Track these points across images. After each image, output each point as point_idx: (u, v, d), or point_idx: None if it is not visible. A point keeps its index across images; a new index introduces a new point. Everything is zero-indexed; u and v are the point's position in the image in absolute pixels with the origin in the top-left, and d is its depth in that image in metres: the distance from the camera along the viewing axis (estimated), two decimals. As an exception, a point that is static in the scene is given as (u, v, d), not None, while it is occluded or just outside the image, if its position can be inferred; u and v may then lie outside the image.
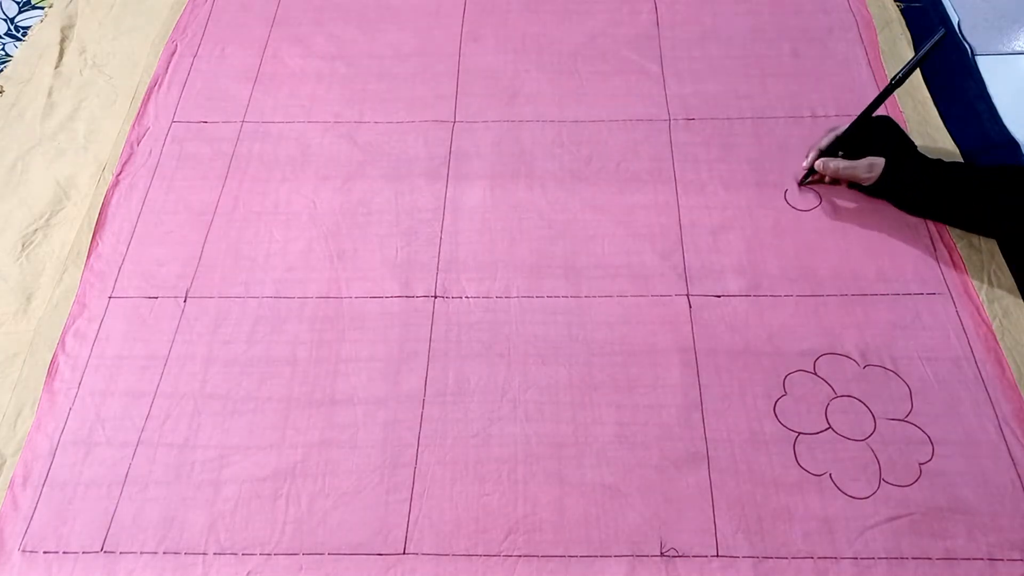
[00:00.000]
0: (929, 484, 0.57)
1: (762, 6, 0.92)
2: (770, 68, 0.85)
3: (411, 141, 0.81)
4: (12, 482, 0.60)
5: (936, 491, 0.57)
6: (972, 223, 0.69)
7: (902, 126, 0.78)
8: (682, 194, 0.75)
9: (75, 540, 0.58)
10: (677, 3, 0.92)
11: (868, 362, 0.63)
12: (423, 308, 0.68)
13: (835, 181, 0.74)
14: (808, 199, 0.74)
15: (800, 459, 0.59)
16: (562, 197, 0.75)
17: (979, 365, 0.62)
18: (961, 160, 0.75)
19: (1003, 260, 0.68)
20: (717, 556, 0.55)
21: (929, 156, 0.70)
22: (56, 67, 0.91)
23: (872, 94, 0.81)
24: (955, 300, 0.66)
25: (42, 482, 0.60)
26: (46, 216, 0.77)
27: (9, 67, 0.92)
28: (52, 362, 0.66)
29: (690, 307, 0.67)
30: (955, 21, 0.91)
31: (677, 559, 0.55)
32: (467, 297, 0.69)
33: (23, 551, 0.57)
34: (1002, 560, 0.54)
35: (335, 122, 0.83)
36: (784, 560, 0.55)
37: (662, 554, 0.55)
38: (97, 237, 0.74)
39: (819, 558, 0.54)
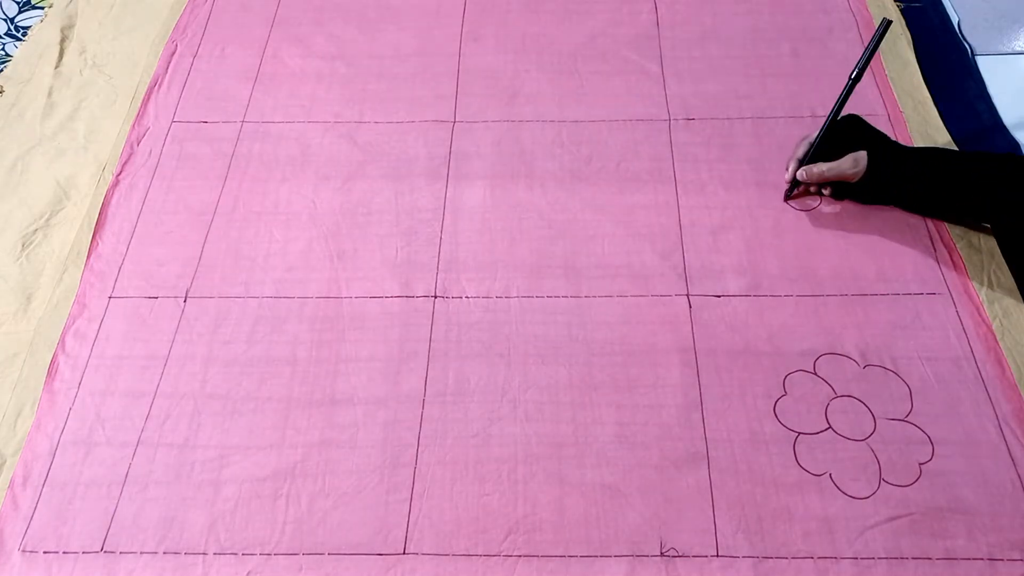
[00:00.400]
0: (929, 484, 0.57)
1: (762, 6, 0.92)
2: (770, 68, 0.85)
3: (411, 141, 0.81)
4: (12, 482, 0.60)
5: (936, 491, 0.57)
6: (965, 210, 0.69)
7: (902, 127, 0.78)
8: (682, 194, 0.75)
9: (75, 540, 0.58)
10: (677, 3, 0.92)
11: (868, 362, 0.63)
12: (423, 308, 0.68)
13: (821, 188, 0.73)
14: (808, 199, 0.74)
15: (800, 459, 0.59)
16: (562, 197, 0.75)
17: (979, 365, 0.62)
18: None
19: (1003, 260, 0.68)
20: (717, 556, 0.55)
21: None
22: (56, 67, 0.91)
23: (872, 94, 0.82)
24: (955, 300, 0.66)
25: (42, 482, 0.60)
26: (46, 216, 0.77)
27: (9, 67, 0.92)
28: (52, 362, 0.66)
29: (690, 307, 0.67)
30: (955, 21, 0.91)
31: (677, 559, 0.55)
32: (467, 297, 0.69)
33: (23, 551, 0.57)
34: (1002, 560, 0.54)
35: (335, 122, 0.83)
36: (784, 560, 0.55)
37: (662, 554, 0.55)
38: (97, 237, 0.74)
39: (819, 558, 0.54)
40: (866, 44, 0.87)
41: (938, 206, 0.70)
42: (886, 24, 0.65)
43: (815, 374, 0.63)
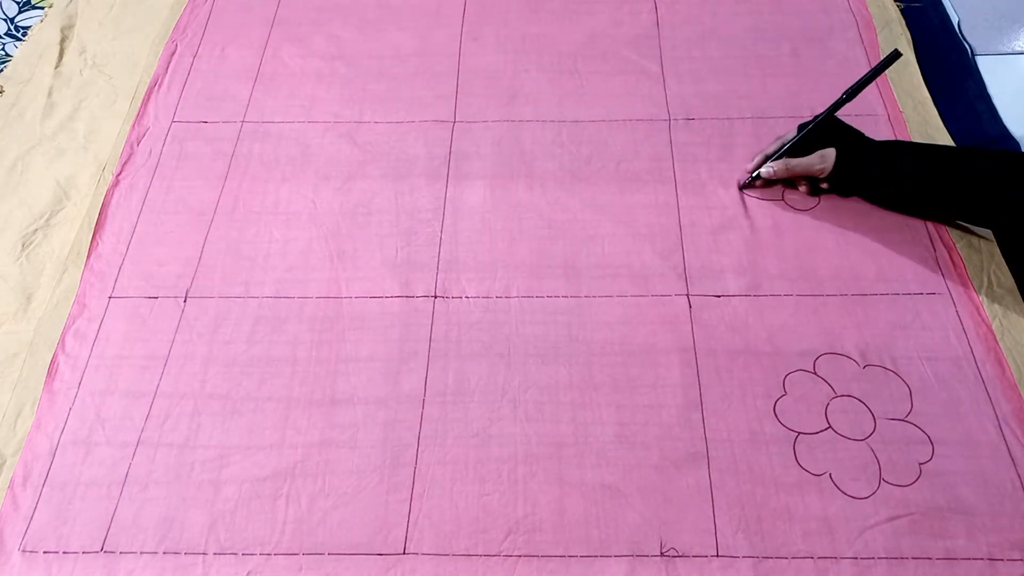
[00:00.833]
0: (929, 484, 0.57)
1: (762, 6, 0.92)
2: (770, 68, 0.85)
3: (411, 141, 0.81)
4: (12, 482, 0.60)
5: (936, 491, 0.57)
6: (939, 204, 0.69)
7: (902, 127, 0.78)
8: (682, 194, 0.75)
9: (75, 540, 0.58)
10: (677, 3, 0.92)
11: (868, 362, 0.63)
12: (423, 308, 0.68)
13: (797, 185, 0.73)
14: (808, 199, 0.74)
15: (800, 459, 0.59)
16: (562, 197, 0.75)
17: (979, 365, 0.62)
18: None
19: (1003, 260, 0.68)
20: (717, 556, 0.55)
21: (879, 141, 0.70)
22: (56, 67, 0.91)
23: (872, 94, 0.82)
24: (955, 300, 0.66)
25: (42, 482, 0.60)
26: (46, 216, 0.77)
27: (9, 67, 0.92)
28: (52, 362, 0.66)
29: (690, 307, 0.67)
30: (955, 21, 0.91)
31: (677, 559, 0.55)
32: (467, 297, 0.69)
33: (23, 551, 0.57)
34: (1002, 560, 0.54)
35: (335, 122, 0.83)
36: (784, 560, 0.55)
37: (662, 554, 0.55)
38: (97, 237, 0.74)
39: (819, 558, 0.54)
40: (866, 44, 0.87)
41: (910, 202, 0.70)
42: (895, 56, 0.66)
43: (815, 374, 0.63)
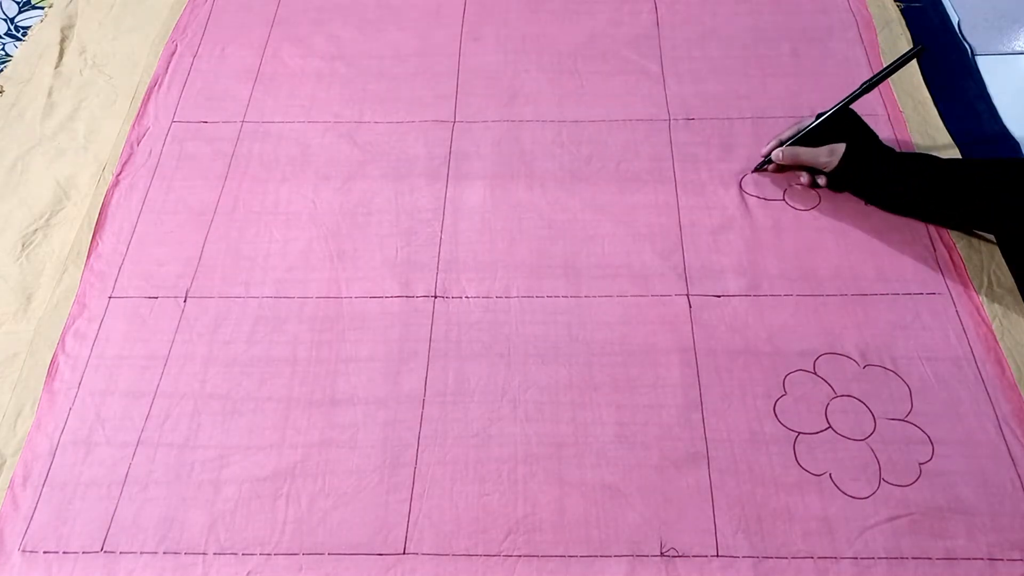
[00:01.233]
0: (929, 484, 0.57)
1: (762, 6, 0.92)
2: (770, 68, 0.85)
3: (411, 141, 0.81)
4: (12, 482, 0.60)
5: (936, 491, 0.57)
6: (939, 216, 0.70)
7: (902, 127, 0.78)
8: (682, 194, 0.75)
9: (75, 540, 0.58)
10: (677, 3, 0.92)
11: (868, 362, 0.63)
12: (423, 308, 0.68)
13: (799, 176, 0.74)
14: (808, 199, 0.74)
15: (800, 459, 0.59)
16: (562, 197, 0.75)
17: (979, 365, 0.62)
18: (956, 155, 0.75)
19: (1003, 260, 0.68)
20: (717, 556, 0.55)
21: (900, 150, 0.71)
22: (56, 67, 0.91)
23: (872, 94, 0.81)
24: (955, 300, 0.66)
25: (42, 482, 0.60)
26: (46, 216, 0.77)
27: (9, 67, 0.92)
28: (52, 362, 0.66)
29: (690, 307, 0.67)
30: (955, 21, 0.91)
31: (677, 559, 0.55)
32: (467, 297, 0.69)
33: (23, 551, 0.57)
34: (1002, 560, 0.54)
35: (335, 122, 0.83)
36: (784, 560, 0.55)
37: (662, 554, 0.55)
38: (97, 237, 0.74)
39: (819, 558, 0.54)
40: (866, 44, 0.87)
41: (909, 206, 0.70)
42: (919, 50, 0.66)
43: (815, 374, 0.63)
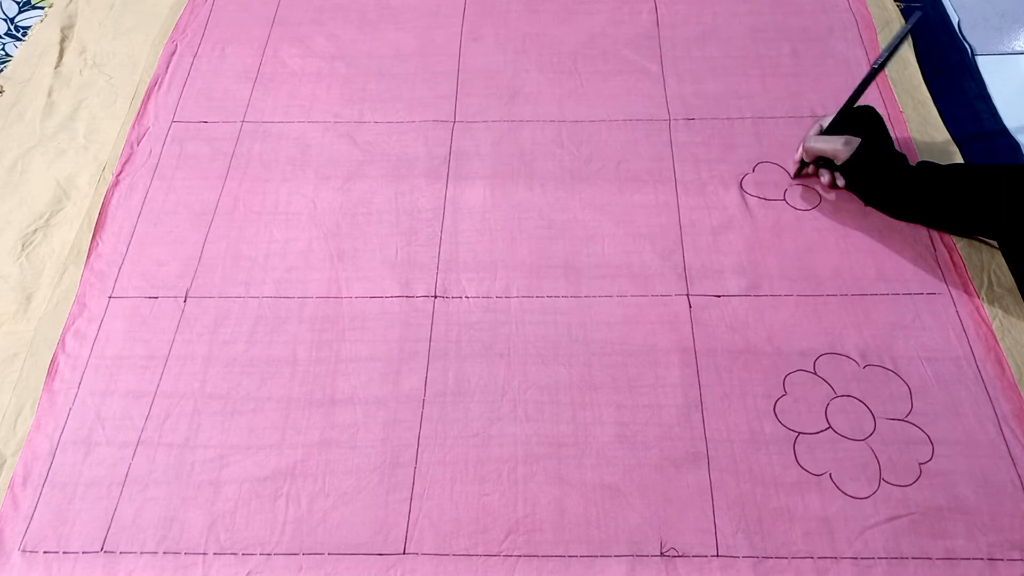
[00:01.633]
0: (929, 484, 0.57)
1: (762, 6, 0.92)
2: (770, 68, 0.85)
3: (411, 141, 0.81)
4: (12, 482, 0.60)
5: (936, 491, 0.57)
6: (940, 223, 0.69)
7: (902, 127, 0.78)
8: (682, 194, 0.75)
9: (75, 540, 0.58)
10: (677, 3, 0.92)
11: (868, 362, 0.63)
12: (423, 308, 0.68)
13: (821, 175, 0.73)
14: (808, 199, 0.74)
15: (800, 459, 0.59)
16: (562, 197, 0.75)
17: (979, 365, 0.62)
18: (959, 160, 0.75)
19: (1003, 260, 0.68)
20: (717, 556, 0.55)
21: (913, 156, 0.70)
22: (56, 67, 0.91)
23: (872, 94, 0.82)
24: (955, 300, 0.66)
25: (42, 482, 0.60)
26: (46, 216, 0.77)
27: (9, 67, 0.92)
28: (52, 362, 0.66)
29: (690, 307, 0.67)
30: (955, 21, 0.91)
31: (677, 559, 0.55)
32: (467, 297, 0.69)
33: (23, 551, 0.57)
34: (1002, 560, 0.54)
35: (335, 122, 0.83)
36: (784, 560, 0.55)
37: (662, 554, 0.55)
38: (97, 237, 0.74)
39: (819, 558, 0.54)
40: (866, 44, 0.87)
41: (915, 210, 0.69)
42: (918, 16, 0.66)
43: (815, 374, 0.63)
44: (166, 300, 0.70)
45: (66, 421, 0.63)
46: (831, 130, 0.71)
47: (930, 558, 0.54)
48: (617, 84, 0.84)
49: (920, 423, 0.60)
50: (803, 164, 0.74)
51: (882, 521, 0.56)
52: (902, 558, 0.54)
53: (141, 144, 0.82)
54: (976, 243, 0.69)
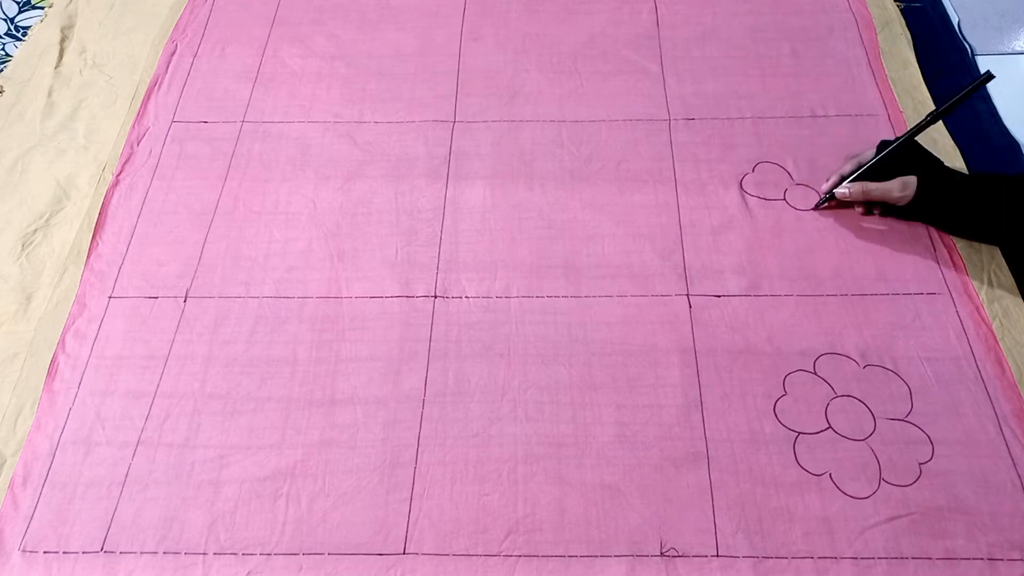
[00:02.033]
0: (929, 484, 0.57)
1: (762, 6, 0.92)
2: (770, 68, 0.85)
3: (411, 141, 0.81)
4: (12, 482, 0.60)
5: (936, 491, 0.57)
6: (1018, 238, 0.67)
7: (902, 126, 0.78)
8: (682, 194, 0.75)
9: (75, 540, 0.58)
10: (677, 3, 0.92)
11: (868, 362, 0.63)
12: (423, 308, 0.68)
13: (855, 204, 0.71)
14: (808, 199, 0.74)
15: (800, 459, 0.59)
16: (562, 197, 0.75)
17: (979, 365, 0.62)
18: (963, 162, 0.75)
19: (1003, 260, 0.68)
20: (717, 556, 0.55)
21: (967, 172, 0.68)
22: (56, 67, 0.91)
23: (872, 94, 0.82)
24: (955, 300, 0.66)
25: (42, 482, 0.60)
26: (46, 216, 0.77)
27: (9, 67, 0.92)
28: (52, 362, 0.66)
29: (690, 307, 0.67)
30: (955, 21, 0.91)
31: (677, 559, 0.55)
32: (467, 297, 0.69)
33: (23, 551, 0.57)
34: (1002, 560, 0.54)
35: (335, 122, 0.83)
36: (784, 560, 0.55)
37: (662, 554, 0.55)
38: (97, 237, 0.74)
39: (819, 558, 0.54)
40: (866, 44, 0.87)
41: (991, 234, 0.68)
42: (988, 77, 0.65)
43: (815, 374, 0.63)
44: (166, 300, 0.70)
45: (66, 421, 0.63)
46: (869, 173, 0.68)
47: (930, 558, 0.54)
48: (617, 84, 0.84)
49: (920, 423, 0.60)
50: (829, 197, 0.71)
51: (882, 521, 0.56)
52: (902, 558, 0.54)
53: (141, 144, 0.82)
54: (976, 243, 0.69)
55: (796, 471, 0.58)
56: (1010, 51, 0.88)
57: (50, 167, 0.81)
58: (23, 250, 0.74)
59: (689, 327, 0.66)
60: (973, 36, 0.89)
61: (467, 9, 0.93)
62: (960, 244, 0.69)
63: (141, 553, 0.57)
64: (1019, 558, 0.54)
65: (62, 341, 0.67)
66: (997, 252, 0.69)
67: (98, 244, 0.74)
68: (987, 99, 0.82)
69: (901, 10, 0.90)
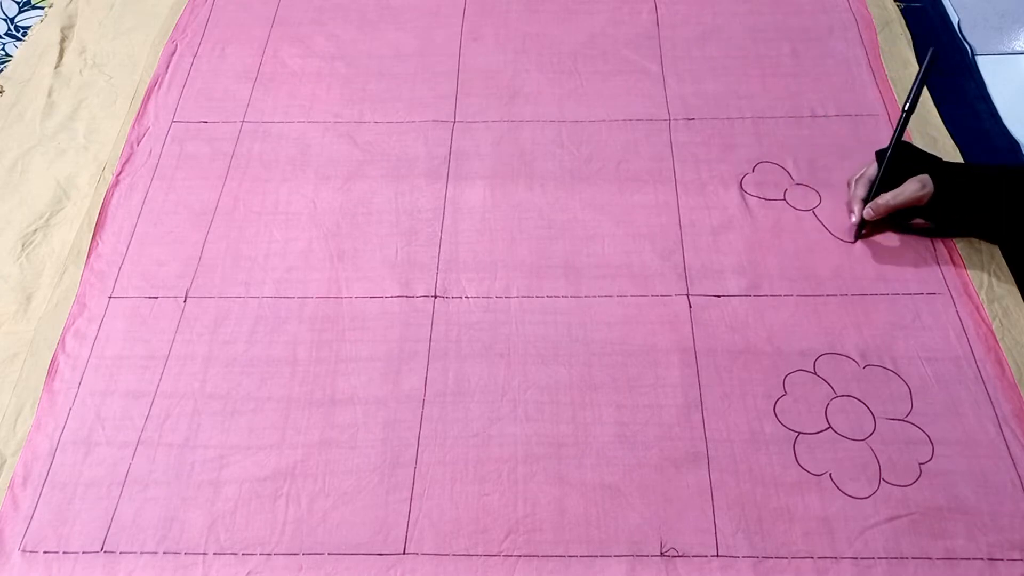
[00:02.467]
0: (929, 484, 0.57)
1: (762, 6, 0.92)
2: (770, 68, 0.85)
3: (411, 141, 0.81)
4: (12, 482, 0.60)
5: (936, 491, 0.57)
6: None
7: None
8: (682, 194, 0.75)
9: (75, 540, 0.58)
10: (677, 3, 0.92)
11: (868, 362, 0.63)
12: (423, 308, 0.68)
13: (895, 221, 0.70)
14: (808, 199, 0.74)
15: (800, 459, 0.59)
16: (562, 197, 0.75)
17: (979, 365, 0.62)
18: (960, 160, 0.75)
19: (1003, 260, 0.68)
20: (717, 556, 0.55)
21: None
22: (56, 67, 0.91)
23: (872, 94, 0.82)
24: (955, 300, 0.66)
25: (42, 482, 0.60)
26: (46, 216, 0.77)
27: (9, 67, 0.92)
28: (52, 362, 0.66)
29: (690, 307, 0.67)
30: (955, 21, 0.91)
31: (677, 559, 0.55)
32: (467, 297, 0.69)
33: (23, 551, 0.57)
34: (1002, 560, 0.54)
35: (335, 122, 0.83)
36: (784, 560, 0.55)
37: (662, 554, 0.55)
38: (97, 237, 0.74)
39: (819, 558, 0.54)
40: (866, 44, 0.87)
41: (998, 222, 0.67)
42: (933, 54, 0.65)
43: (815, 374, 0.63)
44: (166, 300, 0.70)
45: (66, 421, 0.63)
46: (884, 183, 0.67)
47: (930, 558, 0.54)
48: (617, 84, 0.84)
49: (920, 423, 0.60)
50: (863, 224, 0.69)
51: (882, 521, 0.56)
52: (902, 558, 0.54)
53: (141, 144, 0.82)
54: (976, 243, 0.69)
55: (796, 471, 0.58)
56: (1010, 51, 0.88)
57: (50, 167, 0.81)
58: (23, 250, 0.74)
59: (689, 327, 0.66)
60: (973, 36, 0.89)
61: (467, 9, 0.93)
62: (960, 244, 0.69)
63: (141, 553, 0.57)
64: (1019, 558, 0.54)
65: (62, 341, 0.67)
66: (997, 252, 0.69)
67: (98, 244, 0.74)
68: (987, 99, 0.82)
69: (901, 10, 0.90)
